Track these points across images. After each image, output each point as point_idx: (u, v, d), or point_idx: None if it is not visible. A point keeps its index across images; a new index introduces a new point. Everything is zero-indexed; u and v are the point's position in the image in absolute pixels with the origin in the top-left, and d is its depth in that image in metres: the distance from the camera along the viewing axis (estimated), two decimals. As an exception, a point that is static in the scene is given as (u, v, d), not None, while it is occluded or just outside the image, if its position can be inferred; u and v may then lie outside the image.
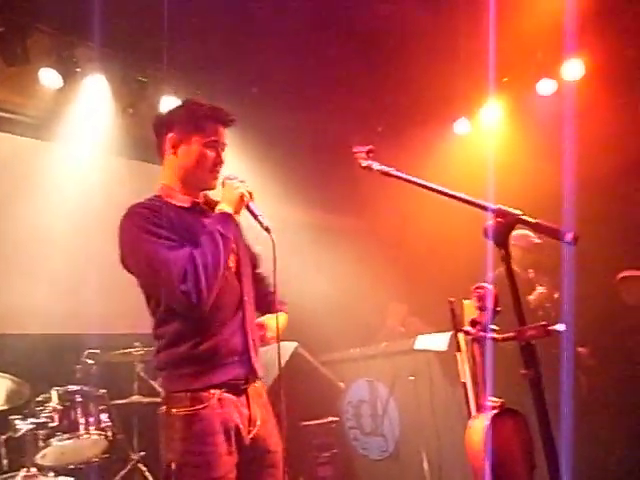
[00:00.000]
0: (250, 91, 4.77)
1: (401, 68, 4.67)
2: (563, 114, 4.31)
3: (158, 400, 2.92)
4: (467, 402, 1.40)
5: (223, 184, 1.60)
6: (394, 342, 3.61)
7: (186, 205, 1.58)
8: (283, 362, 3.18)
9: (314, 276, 4.20)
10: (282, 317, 1.70)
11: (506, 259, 1.21)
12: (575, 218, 3.65)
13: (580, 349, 3.39)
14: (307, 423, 3.21)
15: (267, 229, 1.53)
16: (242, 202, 1.56)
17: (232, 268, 1.57)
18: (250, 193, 1.58)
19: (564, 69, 4.51)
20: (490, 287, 1.41)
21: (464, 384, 1.43)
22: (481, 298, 1.40)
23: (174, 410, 1.43)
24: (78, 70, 3.82)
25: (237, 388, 1.50)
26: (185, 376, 1.45)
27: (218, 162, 1.60)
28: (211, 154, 1.57)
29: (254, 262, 1.75)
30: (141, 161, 4.34)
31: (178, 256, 1.40)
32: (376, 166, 1.51)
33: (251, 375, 1.53)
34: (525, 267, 3.21)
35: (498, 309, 1.38)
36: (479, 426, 1.29)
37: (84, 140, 4.00)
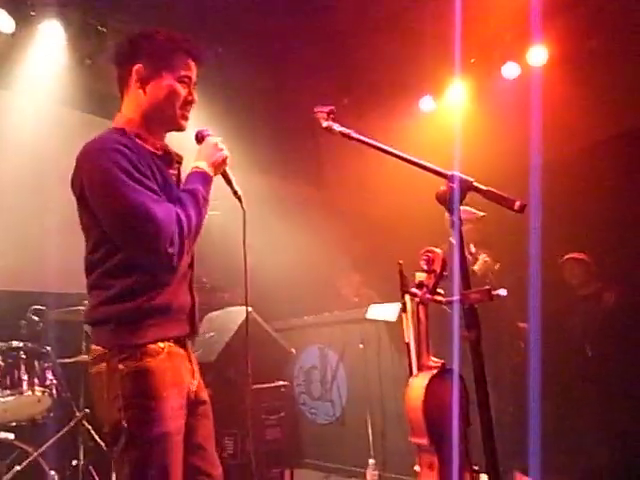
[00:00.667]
0: (216, 50, 4.63)
1: (369, 43, 4.65)
2: (525, 98, 4.43)
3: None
4: (409, 362, 1.46)
5: (202, 138, 1.52)
6: (346, 311, 3.68)
7: (159, 153, 1.48)
8: (235, 326, 3.22)
9: (271, 244, 4.20)
10: None
11: (457, 225, 1.24)
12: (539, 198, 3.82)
13: (522, 325, 3.57)
14: (257, 386, 3.24)
15: (239, 197, 1.50)
16: (223, 166, 1.50)
17: None
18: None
19: (529, 54, 4.59)
20: (439, 251, 1.45)
21: (407, 344, 1.48)
22: (429, 261, 1.44)
23: (121, 366, 1.34)
24: (33, 14, 3.61)
25: (182, 342, 1.47)
26: (136, 329, 1.36)
27: (190, 100, 1.48)
28: (183, 90, 1.46)
29: None
30: (97, 116, 4.17)
31: (167, 215, 1.31)
32: (337, 127, 1.51)
33: (193, 332, 1.51)
34: (468, 241, 3.31)
35: (445, 273, 1.42)
36: (418, 384, 1.34)
37: (37, 89, 3.80)
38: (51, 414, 2.72)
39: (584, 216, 4.13)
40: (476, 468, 1.24)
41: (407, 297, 1.53)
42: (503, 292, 1.10)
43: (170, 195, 1.39)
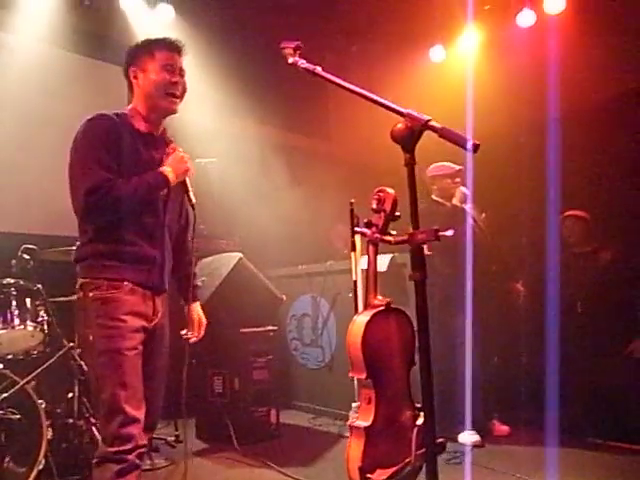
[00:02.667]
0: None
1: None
2: (541, 48, 4.24)
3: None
4: (355, 300, 1.47)
5: (173, 150, 1.79)
6: (338, 261, 3.69)
7: (143, 131, 1.77)
8: (226, 272, 3.27)
9: (271, 195, 4.20)
10: (198, 307, 2.00)
11: (410, 163, 1.22)
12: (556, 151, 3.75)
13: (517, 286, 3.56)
14: (246, 330, 3.32)
15: (193, 206, 1.80)
16: (185, 175, 1.78)
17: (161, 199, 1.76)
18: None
19: (546, 1, 4.36)
20: (390, 191, 1.43)
21: (355, 282, 1.49)
22: (379, 201, 1.42)
23: (91, 294, 1.64)
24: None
25: (146, 286, 1.72)
26: (105, 267, 1.66)
27: (174, 82, 1.76)
28: (166, 77, 1.74)
29: (185, 218, 1.97)
30: (95, 59, 4.11)
31: (100, 174, 1.61)
32: (302, 64, 1.47)
33: (160, 285, 1.76)
34: (450, 197, 3.29)
35: (397, 214, 1.41)
36: (360, 321, 1.36)
37: (33, 30, 3.74)
38: (47, 349, 2.82)
39: (590, 174, 4.03)
40: (418, 406, 1.26)
41: (356, 237, 1.52)
42: (450, 232, 1.09)
43: (136, 165, 1.69)
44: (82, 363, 2.92)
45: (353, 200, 1.59)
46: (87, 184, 1.59)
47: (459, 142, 1.17)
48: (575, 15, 4.26)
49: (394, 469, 1.24)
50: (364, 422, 1.36)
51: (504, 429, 3.28)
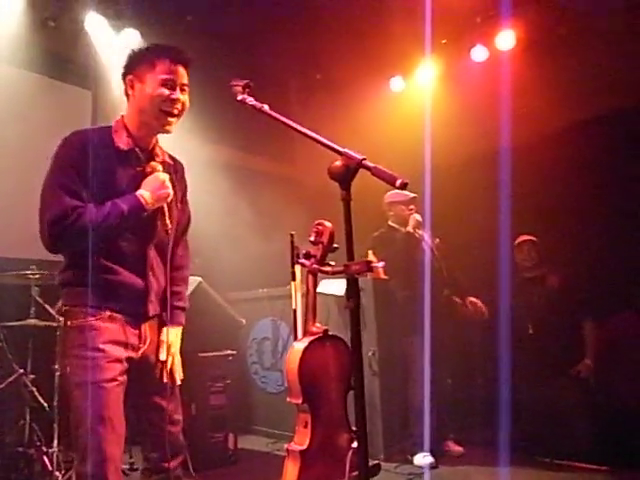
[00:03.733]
0: (185, 19, 4.58)
1: (342, 21, 4.64)
2: (494, 82, 4.48)
3: (54, 324, 2.94)
4: (295, 327, 1.53)
5: (151, 169, 1.64)
6: (302, 285, 3.74)
7: (123, 148, 1.63)
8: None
9: (231, 218, 4.24)
10: (174, 332, 1.75)
11: (346, 199, 1.30)
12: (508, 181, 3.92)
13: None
14: (204, 354, 3.32)
15: (167, 231, 1.66)
16: (164, 201, 1.63)
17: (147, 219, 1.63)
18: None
19: (498, 38, 4.61)
20: (328, 224, 1.50)
21: (294, 311, 1.55)
22: (318, 234, 1.50)
23: (69, 322, 1.57)
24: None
25: (129, 314, 1.62)
26: (82, 294, 1.55)
27: (173, 100, 1.61)
28: (165, 92, 1.60)
29: (181, 232, 1.83)
30: (59, 80, 4.12)
31: (66, 202, 1.50)
32: (250, 101, 1.54)
33: (144, 313, 1.64)
34: (405, 223, 3.43)
35: (335, 246, 1.48)
36: (298, 348, 1.42)
37: (-5, 50, 3.73)
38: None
39: (539, 202, 4.22)
40: (355, 429, 1.32)
41: (297, 267, 1.59)
42: (381, 264, 1.17)
43: (111, 186, 1.57)
44: (34, 389, 2.88)
45: (293, 232, 1.66)
46: (51, 213, 1.50)
47: (389, 180, 1.25)
48: (524, 52, 4.53)
49: (328, 491, 1.29)
50: (300, 446, 1.41)
51: (458, 450, 3.35)
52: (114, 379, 1.52)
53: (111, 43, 4.29)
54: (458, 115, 4.58)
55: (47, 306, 2.97)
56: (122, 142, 1.63)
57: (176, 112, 1.63)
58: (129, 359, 1.59)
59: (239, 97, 1.56)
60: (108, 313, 1.56)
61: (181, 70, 1.64)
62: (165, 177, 1.64)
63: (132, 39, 4.32)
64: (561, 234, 3.92)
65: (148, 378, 1.65)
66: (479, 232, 4.09)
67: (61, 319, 1.63)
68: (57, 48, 4.14)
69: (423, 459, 3.16)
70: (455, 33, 4.83)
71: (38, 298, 2.98)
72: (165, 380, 1.67)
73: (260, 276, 4.12)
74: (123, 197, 1.57)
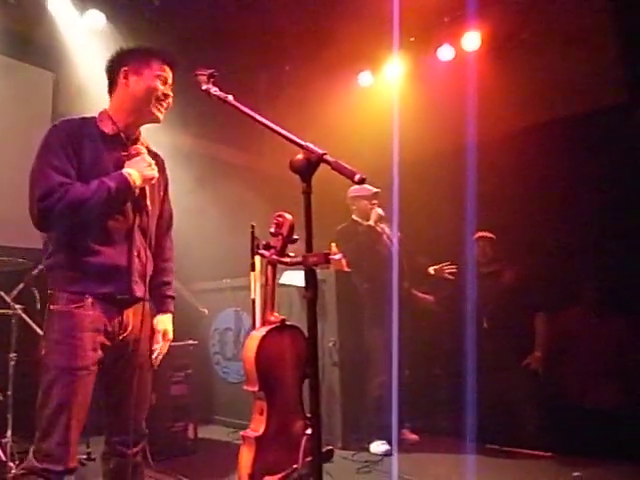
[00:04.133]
0: (152, 3, 4.49)
1: (311, 14, 4.64)
2: (459, 81, 4.58)
3: (9, 312, 2.86)
4: (253, 316, 1.57)
5: (137, 153, 1.72)
6: (262, 276, 3.76)
7: (108, 132, 1.71)
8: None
9: (196, 207, 4.21)
10: (167, 319, 1.85)
11: (307, 192, 1.33)
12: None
13: (426, 296, 3.79)
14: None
15: (147, 212, 1.72)
16: (148, 182, 1.71)
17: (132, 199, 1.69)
18: None
19: (464, 39, 4.71)
20: (288, 216, 1.54)
21: (253, 300, 1.59)
22: (278, 225, 1.53)
23: (52, 307, 1.61)
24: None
25: (112, 299, 1.65)
26: (65, 279, 1.61)
27: (165, 94, 1.75)
28: (160, 86, 1.74)
29: (167, 220, 1.90)
30: (19, 60, 3.98)
31: (54, 178, 1.56)
32: (215, 91, 1.55)
33: (128, 295, 1.67)
34: (367, 217, 3.49)
35: (295, 237, 1.52)
36: (256, 336, 1.45)
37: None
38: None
39: (503, 198, 4.34)
40: (310, 416, 1.36)
41: (256, 258, 1.62)
42: (338, 256, 1.20)
43: (97, 167, 1.64)
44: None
45: (254, 224, 1.68)
46: (41, 189, 1.55)
47: (348, 175, 1.28)
48: (489, 53, 4.65)
49: (282, 475, 1.33)
50: (255, 432, 1.44)
51: (413, 438, 3.46)
52: (86, 368, 1.56)
53: (75, 24, 4.16)
54: (425, 112, 4.65)
55: (2, 293, 2.89)
56: (107, 128, 1.72)
57: (165, 106, 1.77)
58: (106, 347, 1.62)
59: (203, 87, 1.56)
60: (90, 300, 1.59)
61: (169, 70, 1.79)
62: (151, 159, 1.73)
63: (96, 21, 4.20)
64: (519, 231, 4.06)
65: (124, 364, 1.69)
66: (445, 227, 4.19)
67: (47, 304, 1.64)
68: (18, 27, 3.99)
69: (379, 447, 3.24)
70: (423, 31, 4.91)
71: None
72: (155, 368, 1.78)
73: (224, 267, 4.12)
74: (109, 175, 1.63)
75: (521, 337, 3.63)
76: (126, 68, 1.74)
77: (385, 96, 5.01)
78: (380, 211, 3.46)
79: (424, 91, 4.87)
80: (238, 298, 3.89)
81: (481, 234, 3.92)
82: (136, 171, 1.67)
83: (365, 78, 5.31)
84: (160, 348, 1.80)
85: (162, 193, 1.86)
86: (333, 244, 3.32)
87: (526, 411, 3.41)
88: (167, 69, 1.78)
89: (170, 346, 3.28)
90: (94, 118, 1.74)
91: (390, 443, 3.26)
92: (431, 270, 3.66)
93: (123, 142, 1.73)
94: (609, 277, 3.70)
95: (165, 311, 1.83)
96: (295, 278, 3.42)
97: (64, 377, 1.53)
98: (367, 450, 3.27)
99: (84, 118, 1.72)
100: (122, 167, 1.68)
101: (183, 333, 3.44)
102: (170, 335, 1.85)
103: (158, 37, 4.73)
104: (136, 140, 1.79)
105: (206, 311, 3.55)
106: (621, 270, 3.65)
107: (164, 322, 1.82)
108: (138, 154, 1.73)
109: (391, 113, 4.61)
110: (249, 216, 4.59)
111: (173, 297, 1.88)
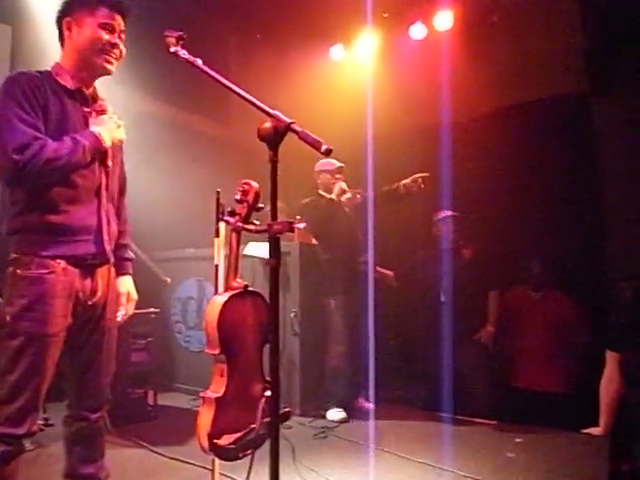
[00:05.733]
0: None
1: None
2: (430, 60, 4.61)
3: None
4: (215, 283, 1.60)
5: (102, 111, 1.69)
6: (226, 243, 3.76)
7: (70, 87, 1.64)
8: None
9: (160, 175, 4.13)
10: (128, 281, 1.85)
11: (273, 160, 1.34)
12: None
13: (386, 271, 3.90)
14: (126, 311, 3.28)
15: (107, 172, 1.69)
16: (116, 144, 1.70)
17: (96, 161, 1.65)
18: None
19: (436, 18, 4.72)
20: (255, 184, 1.56)
21: (216, 266, 1.61)
22: (244, 192, 1.55)
23: (19, 271, 1.53)
24: None
25: (83, 262, 1.61)
26: (35, 242, 1.55)
27: (112, 44, 1.65)
28: (105, 36, 1.64)
29: (123, 182, 1.88)
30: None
31: (27, 131, 1.49)
32: (183, 54, 1.52)
33: (100, 256, 1.65)
34: (331, 191, 3.55)
35: (261, 205, 1.54)
36: (218, 301, 1.48)
37: None
38: None
39: (476, 177, 4.42)
40: (269, 379, 1.41)
41: (221, 224, 1.64)
42: (301, 225, 1.23)
43: (65, 125, 1.59)
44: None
45: (219, 190, 1.69)
46: (14, 142, 1.46)
47: (315, 145, 1.30)
48: (462, 33, 4.67)
49: (240, 434, 1.38)
50: (215, 393, 1.48)
51: (368, 406, 3.59)
52: (56, 334, 1.54)
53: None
54: (396, 88, 4.66)
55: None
56: (67, 82, 1.64)
57: (114, 56, 1.67)
58: (75, 312, 1.60)
59: (172, 49, 1.53)
60: (62, 265, 1.55)
61: (119, 18, 1.68)
62: (120, 122, 1.69)
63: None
64: (482, 210, 4.17)
65: (91, 328, 1.67)
66: (415, 203, 4.26)
67: (9, 268, 1.57)
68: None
69: (336, 414, 3.36)
70: (396, 7, 4.88)
71: None
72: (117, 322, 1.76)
73: (187, 236, 4.09)
74: (81, 133, 1.58)
75: (475, 312, 3.79)
76: (69, 19, 1.66)
77: (357, 71, 5.00)
78: (343, 185, 3.51)
79: (396, 68, 4.87)
80: (200, 268, 3.89)
81: (444, 214, 4.00)
82: (106, 131, 1.63)
83: (337, 52, 5.27)
84: (126, 309, 1.81)
85: (120, 154, 1.82)
86: (297, 217, 3.35)
87: (476, 382, 3.59)
88: (117, 17, 1.67)
89: (131, 314, 3.32)
90: (49, 72, 1.65)
91: (346, 411, 3.37)
92: (402, 187, 3.55)
93: (86, 97, 1.67)
94: (554, 257, 3.87)
95: (125, 273, 1.83)
96: (259, 249, 3.44)
97: (34, 344, 1.50)
98: (324, 417, 3.37)
99: (40, 71, 1.64)
100: (87, 124, 1.64)
101: (145, 301, 3.42)
102: (134, 295, 1.85)
103: (132, 3, 4.57)
104: (95, 96, 1.73)
105: (168, 280, 3.53)
106: (567, 251, 3.82)
107: (126, 284, 1.83)
108: (104, 112, 1.68)
109: (363, 89, 4.62)
110: (215, 185, 4.59)
111: (132, 259, 1.88)
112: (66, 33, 1.67)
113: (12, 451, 1.52)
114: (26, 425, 1.52)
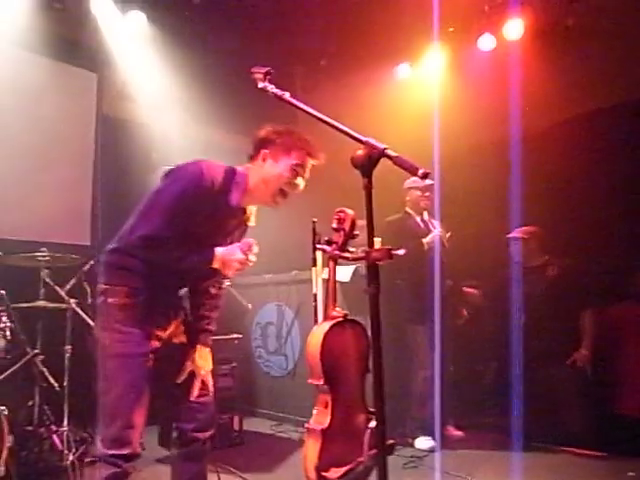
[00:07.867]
0: (190, 3, 4.54)
1: (348, 6, 4.61)
2: (500, 71, 4.48)
3: (63, 306, 2.96)
4: (315, 311, 1.58)
5: (248, 218, 1.87)
6: (303, 271, 3.79)
7: (234, 204, 1.77)
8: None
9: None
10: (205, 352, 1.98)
11: (368, 187, 1.33)
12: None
13: (472, 290, 3.74)
14: (212, 338, 3.37)
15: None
16: (226, 271, 1.77)
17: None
18: None
19: (506, 27, 4.60)
20: (350, 212, 1.54)
21: (315, 295, 1.60)
22: (339, 221, 1.53)
23: (110, 300, 1.70)
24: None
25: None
26: (126, 275, 1.72)
27: (293, 183, 1.77)
28: (291, 177, 1.76)
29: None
30: (65, 63, 4.10)
31: (163, 230, 1.63)
32: (272, 89, 1.56)
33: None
34: (421, 210, 3.49)
35: (356, 233, 1.52)
36: (319, 331, 1.46)
37: (1, 32, 3.69)
38: (8, 356, 2.79)
39: (549, 192, 4.22)
40: (371, 410, 1.37)
41: (318, 253, 1.63)
42: (401, 252, 1.20)
43: (211, 229, 1.75)
44: (45, 370, 2.91)
45: (315, 219, 1.69)
46: (148, 230, 1.63)
47: (411, 170, 1.27)
48: (533, 41, 4.51)
49: (347, 467, 1.34)
50: (321, 425, 1.46)
51: (458, 434, 3.43)
52: (147, 354, 1.68)
53: (117, 25, 4.27)
54: (465, 103, 4.56)
55: (57, 288, 2.99)
56: (235, 199, 1.76)
57: (290, 193, 1.80)
58: (159, 337, 1.74)
59: (260, 85, 1.57)
60: (148, 293, 1.70)
61: (310, 164, 1.80)
62: (251, 260, 1.78)
63: (137, 20, 4.29)
64: (565, 224, 3.95)
65: (169, 354, 1.78)
66: (487, 220, 4.11)
67: (100, 297, 1.73)
68: (63, 30, 4.10)
69: (424, 442, 3.23)
70: (462, 21, 4.81)
71: (48, 280, 3.00)
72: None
73: (265, 262, 4.14)
74: (201, 252, 1.70)
75: (567, 333, 3.54)
76: (266, 151, 1.79)
77: (424, 88, 4.95)
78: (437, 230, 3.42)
79: (465, 82, 4.77)
80: (279, 293, 3.93)
81: (516, 234, 3.80)
82: (223, 257, 1.71)
83: (403, 70, 5.25)
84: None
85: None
86: (379, 239, 3.29)
87: (573, 409, 3.32)
88: (309, 163, 1.79)
89: (217, 340, 3.38)
90: (233, 175, 1.76)
91: (434, 439, 3.24)
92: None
93: (237, 214, 1.81)
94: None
95: (205, 344, 2.01)
96: (337, 274, 3.42)
97: (128, 363, 1.64)
98: (411, 446, 3.25)
99: (227, 171, 1.75)
100: (229, 230, 1.81)
101: (228, 327, 3.51)
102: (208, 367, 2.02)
103: (197, 36, 4.82)
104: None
105: (250, 305, 3.60)
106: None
107: (198, 357, 1.96)
108: (248, 219, 1.84)
109: (430, 106, 4.55)
110: (288, 212, 4.65)
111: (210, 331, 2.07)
112: (260, 161, 1.79)
113: (119, 473, 1.58)
114: (131, 445, 1.59)
